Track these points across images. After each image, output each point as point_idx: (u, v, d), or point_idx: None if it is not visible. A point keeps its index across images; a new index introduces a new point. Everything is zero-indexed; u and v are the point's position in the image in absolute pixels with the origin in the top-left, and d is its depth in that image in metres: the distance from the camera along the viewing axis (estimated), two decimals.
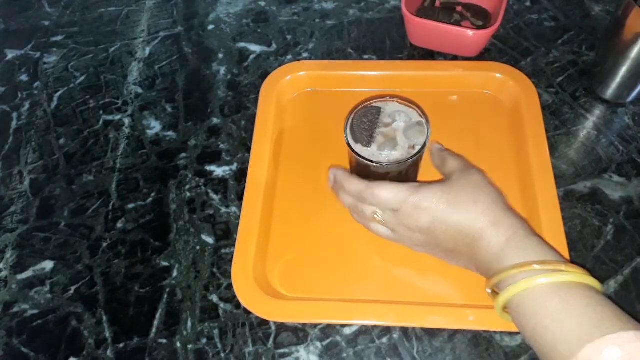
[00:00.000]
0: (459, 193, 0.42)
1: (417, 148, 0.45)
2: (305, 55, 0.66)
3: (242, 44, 0.69)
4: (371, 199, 0.44)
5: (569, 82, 0.61)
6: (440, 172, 0.49)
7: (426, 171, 0.52)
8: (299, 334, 0.47)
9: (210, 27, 0.71)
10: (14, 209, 0.57)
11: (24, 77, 0.69)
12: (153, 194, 0.57)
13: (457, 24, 0.64)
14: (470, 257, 0.42)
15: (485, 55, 0.63)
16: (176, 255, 0.52)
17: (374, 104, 0.48)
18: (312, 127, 0.59)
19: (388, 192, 0.43)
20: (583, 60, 0.63)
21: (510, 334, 0.46)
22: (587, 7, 0.67)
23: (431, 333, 0.46)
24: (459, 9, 0.66)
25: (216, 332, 0.48)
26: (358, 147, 0.46)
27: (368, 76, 0.61)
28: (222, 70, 0.66)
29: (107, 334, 0.48)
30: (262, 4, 0.73)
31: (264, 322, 0.48)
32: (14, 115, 0.65)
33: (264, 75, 0.63)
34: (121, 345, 0.48)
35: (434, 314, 0.45)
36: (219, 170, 0.58)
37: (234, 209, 0.55)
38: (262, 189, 0.53)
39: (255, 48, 0.68)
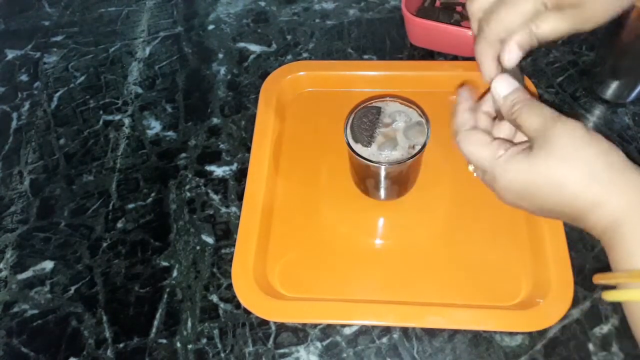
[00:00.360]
0: (548, 172, 0.32)
1: (417, 148, 0.45)
2: (305, 55, 0.66)
3: (242, 44, 0.69)
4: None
5: (569, 82, 0.61)
6: (513, 126, 0.37)
7: (427, 171, 0.52)
8: (299, 334, 0.47)
9: (210, 27, 0.71)
10: (14, 209, 0.57)
11: (24, 77, 0.69)
12: (153, 194, 0.57)
13: (457, 24, 0.64)
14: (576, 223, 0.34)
15: None
16: (176, 255, 0.52)
17: (374, 104, 0.48)
18: (312, 127, 0.59)
19: (474, 150, 0.36)
20: (583, 60, 0.62)
21: (510, 334, 0.46)
22: None
23: (431, 333, 0.46)
24: (459, 9, 0.66)
25: (216, 332, 0.48)
26: (358, 147, 0.46)
27: (368, 76, 0.61)
28: (222, 70, 0.66)
29: (107, 334, 0.48)
30: (262, 4, 0.73)
31: (264, 322, 0.48)
32: (14, 115, 0.65)
33: (264, 75, 0.63)
34: (121, 345, 0.48)
35: (433, 314, 0.45)
36: (219, 170, 0.58)
37: (234, 209, 0.55)
38: (262, 189, 0.53)
39: (255, 48, 0.68)
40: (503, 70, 0.37)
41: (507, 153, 0.34)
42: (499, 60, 0.36)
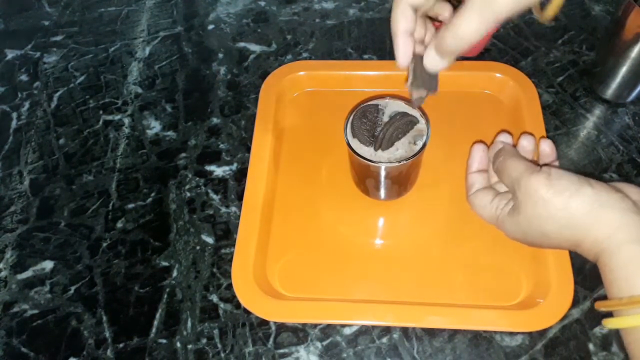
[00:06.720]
0: (529, 228, 0.39)
1: (417, 148, 0.45)
2: (305, 55, 0.66)
3: (242, 44, 0.69)
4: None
5: (569, 81, 0.61)
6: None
7: (427, 171, 0.52)
8: (298, 334, 0.47)
9: (210, 27, 0.71)
10: (14, 209, 0.57)
11: (23, 77, 0.69)
12: (153, 194, 0.57)
13: None
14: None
15: (485, 55, 0.63)
16: (176, 255, 0.52)
17: (375, 104, 0.48)
18: (312, 127, 0.59)
19: (480, 212, 0.45)
20: (583, 60, 0.62)
21: (511, 333, 0.46)
22: (587, 7, 0.67)
23: (431, 333, 0.46)
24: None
25: (216, 332, 0.48)
26: (358, 147, 0.46)
27: (368, 76, 0.61)
28: (222, 70, 0.66)
29: (107, 334, 0.48)
30: (262, 3, 0.73)
31: (263, 322, 0.48)
32: (14, 115, 0.65)
33: (264, 75, 0.63)
34: (121, 345, 0.48)
35: (433, 314, 0.45)
36: (218, 170, 0.58)
37: (234, 209, 0.55)
38: (262, 189, 0.53)
39: (255, 48, 0.68)
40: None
41: (502, 213, 0.42)
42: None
